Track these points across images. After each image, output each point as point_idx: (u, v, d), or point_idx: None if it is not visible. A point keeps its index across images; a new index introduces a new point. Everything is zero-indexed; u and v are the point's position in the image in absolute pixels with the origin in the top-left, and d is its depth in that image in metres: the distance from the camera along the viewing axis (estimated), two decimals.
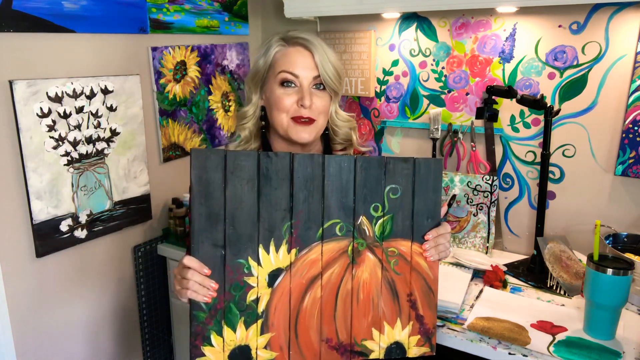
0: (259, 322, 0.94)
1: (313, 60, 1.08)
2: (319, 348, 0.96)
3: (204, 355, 0.93)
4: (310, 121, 1.09)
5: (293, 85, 1.09)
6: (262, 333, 0.95)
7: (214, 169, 0.91)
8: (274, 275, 0.94)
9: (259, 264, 0.94)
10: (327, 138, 1.19)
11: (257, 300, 0.94)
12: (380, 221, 0.96)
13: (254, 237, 0.93)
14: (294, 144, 1.13)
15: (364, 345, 0.98)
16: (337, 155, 0.95)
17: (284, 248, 0.94)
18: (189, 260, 0.92)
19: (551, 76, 1.60)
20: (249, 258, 0.93)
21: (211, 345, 0.93)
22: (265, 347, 0.95)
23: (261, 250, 0.94)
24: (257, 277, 0.94)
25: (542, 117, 1.62)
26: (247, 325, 0.94)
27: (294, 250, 0.94)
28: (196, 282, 0.92)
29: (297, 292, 0.95)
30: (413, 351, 1.00)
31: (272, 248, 0.94)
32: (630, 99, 1.47)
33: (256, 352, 0.95)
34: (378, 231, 0.97)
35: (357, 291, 0.97)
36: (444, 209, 1.00)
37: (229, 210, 0.92)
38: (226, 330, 0.94)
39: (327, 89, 1.11)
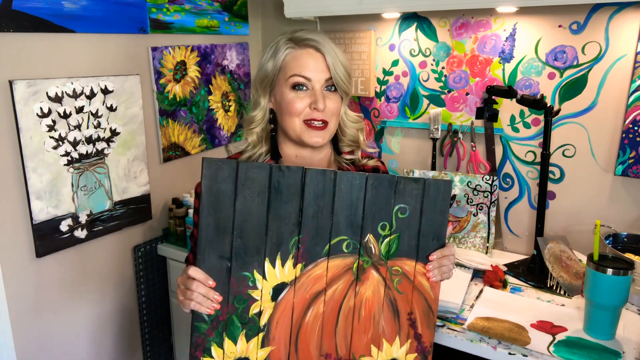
0: (260, 335, 0.95)
1: (324, 62, 1.05)
2: None
3: None
4: (324, 125, 1.07)
5: (305, 88, 1.06)
6: (262, 346, 0.95)
7: (224, 180, 0.91)
8: (278, 289, 0.94)
9: (264, 277, 0.94)
10: (335, 139, 1.17)
11: (259, 313, 0.94)
12: (386, 240, 0.96)
13: (261, 250, 0.93)
14: (304, 147, 1.11)
15: None
16: (349, 172, 0.94)
17: (290, 263, 0.94)
18: (194, 272, 0.92)
19: (551, 76, 1.60)
20: (255, 271, 0.93)
21: (211, 356, 0.94)
22: None
23: (267, 264, 0.93)
24: (262, 291, 0.94)
25: (542, 117, 1.62)
26: (248, 338, 0.94)
27: (299, 265, 0.94)
28: (200, 294, 0.91)
29: (300, 307, 0.95)
30: None
31: (278, 262, 0.94)
32: (630, 99, 1.47)
33: None
34: (384, 250, 0.96)
35: (359, 308, 0.97)
36: (449, 230, 1.00)
37: (237, 222, 0.92)
38: (227, 342, 0.94)
39: (338, 90, 1.09)
